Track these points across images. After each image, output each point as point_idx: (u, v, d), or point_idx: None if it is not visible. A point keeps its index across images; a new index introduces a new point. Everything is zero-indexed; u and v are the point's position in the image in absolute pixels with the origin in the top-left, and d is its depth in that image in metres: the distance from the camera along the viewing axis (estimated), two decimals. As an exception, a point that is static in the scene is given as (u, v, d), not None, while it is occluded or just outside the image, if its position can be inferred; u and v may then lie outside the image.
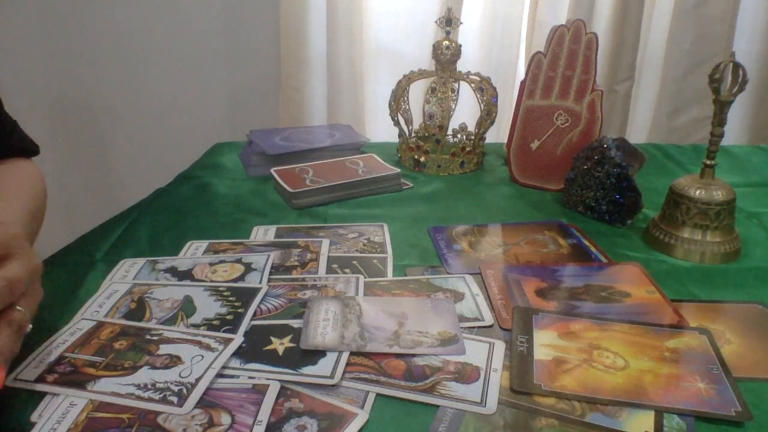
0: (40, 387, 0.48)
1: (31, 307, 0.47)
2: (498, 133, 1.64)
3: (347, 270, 0.68)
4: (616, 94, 1.69)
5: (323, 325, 0.56)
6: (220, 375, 0.49)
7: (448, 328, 0.57)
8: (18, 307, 0.44)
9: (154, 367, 0.50)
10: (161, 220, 0.82)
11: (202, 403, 0.46)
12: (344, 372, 0.51)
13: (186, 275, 0.66)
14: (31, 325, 0.47)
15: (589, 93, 0.92)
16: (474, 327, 0.58)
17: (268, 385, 0.48)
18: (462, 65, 1.03)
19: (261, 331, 0.56)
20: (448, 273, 0.69)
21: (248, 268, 0.68)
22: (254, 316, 0.58)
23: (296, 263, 0.70)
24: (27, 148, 0.74)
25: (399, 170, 0.96)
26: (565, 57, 0.93)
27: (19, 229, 0.48)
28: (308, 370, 0.51)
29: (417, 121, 1.06)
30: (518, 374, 0.51)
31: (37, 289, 0.48)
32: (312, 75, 1.69)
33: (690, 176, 0.77)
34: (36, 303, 0.48)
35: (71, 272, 0.67)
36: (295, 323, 0.57)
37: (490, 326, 0.58)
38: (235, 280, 0.65)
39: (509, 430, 0.45)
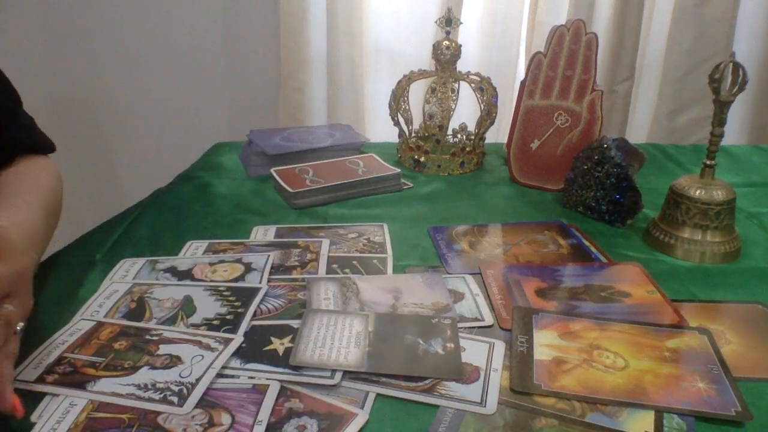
0: (39, 387, 0.48)
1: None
2: (498, 133, 1.64)
3: (347, 270, 0.68)
4: (616, 94, 1.69)
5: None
6: (220, 375, 0.49)
7: (440, 299, 0.61)
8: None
9: (154, 367, 0.50)
10: (161, 220, 0.82)
11: (202, 403, 0.46)
12: (344, 372, 0.51)
13: (186, 275, 0.66)
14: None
15: (589, 93, 0.92)
16: (474, 327, 0.58)
17: (268, 385, 0.48)
18: (462, 65, 1.03)
19: (261, 332, 0.56)
20: (448, 273, 0.69)
21: (248, 268, 0.68)
22: (254, 316, 0.58)
23: (296, 263, 0.70)
24: (45, 146, 0.75)
25: (399, 170, 0.96)
26: (565, 57, 0.93)
27: (27, 264, 0.51)
28: (308, 370, 0.51)
29: (417, 121, 1.06)
30: (518, 374, 0.51)
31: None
32: (312, 75, 1.69)
33: (690, 176, 0.77)
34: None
35: (71, 272, 0.67)
36: (295, 323, 0.57)
37: (490, 326, 0.58)
38: (235, 280, 0.65)
39: (509, 430, 0.45)
